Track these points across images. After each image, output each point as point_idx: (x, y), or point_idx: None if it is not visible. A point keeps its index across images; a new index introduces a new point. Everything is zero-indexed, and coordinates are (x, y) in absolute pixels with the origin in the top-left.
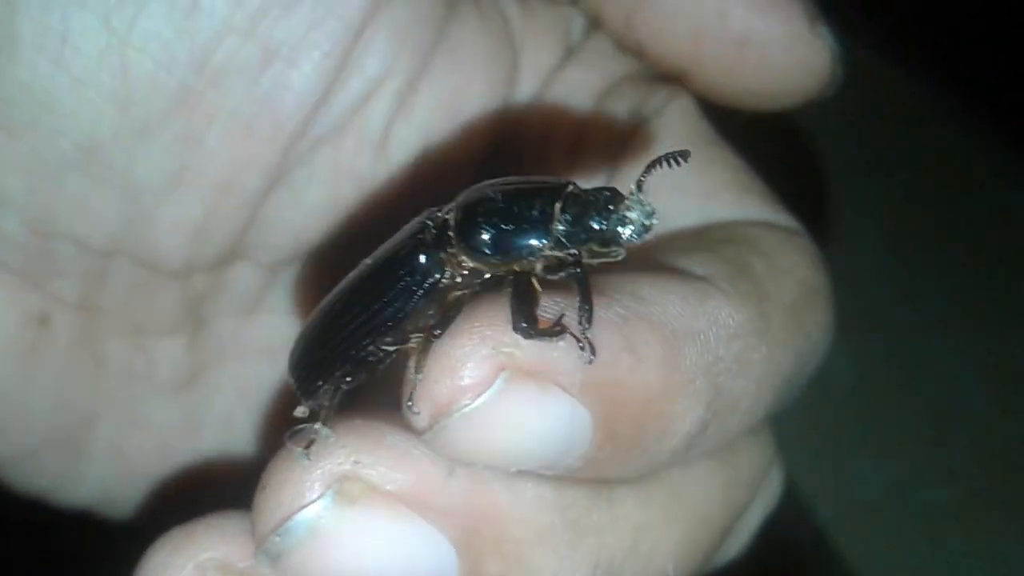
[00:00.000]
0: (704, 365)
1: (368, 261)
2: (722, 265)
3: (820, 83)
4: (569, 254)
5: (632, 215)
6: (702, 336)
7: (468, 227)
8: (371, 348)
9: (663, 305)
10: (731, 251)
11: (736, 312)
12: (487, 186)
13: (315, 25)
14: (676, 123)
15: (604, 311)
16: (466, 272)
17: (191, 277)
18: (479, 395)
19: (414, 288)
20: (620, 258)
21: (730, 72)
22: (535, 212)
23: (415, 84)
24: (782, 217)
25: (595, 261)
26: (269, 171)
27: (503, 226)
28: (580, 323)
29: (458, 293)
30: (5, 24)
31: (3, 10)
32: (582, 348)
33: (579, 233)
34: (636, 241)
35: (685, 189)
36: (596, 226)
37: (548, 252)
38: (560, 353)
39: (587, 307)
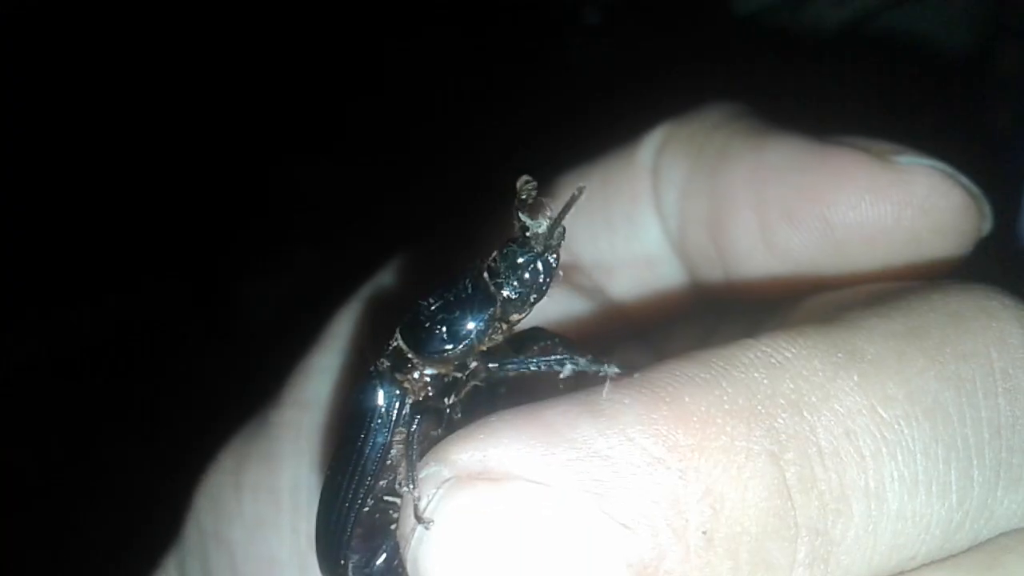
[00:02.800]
0: (733, 409)
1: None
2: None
3: (937, 204)
4: (518, 303)
5: (537, 227)
6: (721, 380)
7: (417, 336)
8: (369, 499)
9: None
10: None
11: (781, 350)
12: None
13: None
14: None
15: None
16: (430, 390)
17: None
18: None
19: (381, 421)
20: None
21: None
22: (468, 289)
23: None
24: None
25: (543, 296)
26: None
27: (449, 316)
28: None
29: (432, 415)
30: None
31: None
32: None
33: (521, 277)
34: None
35: None
36: (526, 259)
37: (500, 317)
38: (511, 440)
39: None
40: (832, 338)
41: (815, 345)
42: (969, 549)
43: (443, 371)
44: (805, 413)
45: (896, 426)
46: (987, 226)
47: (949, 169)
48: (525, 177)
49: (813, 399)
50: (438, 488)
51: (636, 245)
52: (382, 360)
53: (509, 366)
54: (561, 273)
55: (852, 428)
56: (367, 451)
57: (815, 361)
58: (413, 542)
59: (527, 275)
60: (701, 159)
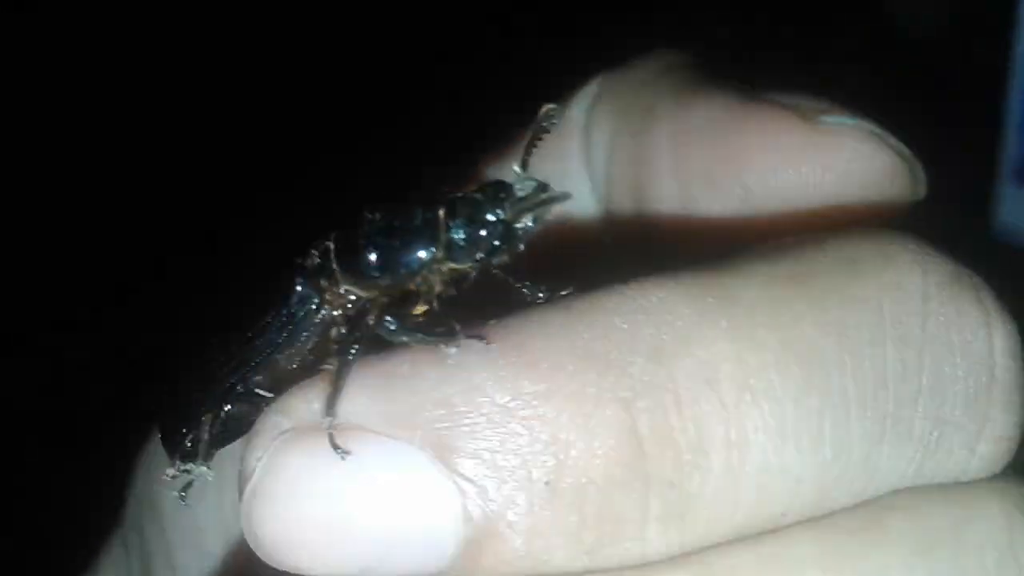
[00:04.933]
0: (587, 355)
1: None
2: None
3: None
4: (469, 263)
5: (524, 195)
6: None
7: (349, 249)
8: (239, 387)
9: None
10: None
11: (647, 294)
12: (366, 209)
13: None
14: None
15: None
16: (349, 305)
17: None
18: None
19: (287, 318)
20: (519, 249)
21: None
22: (418, 222)
23: None
24: None
25: (496, 260)
26: None
27: (387, 243)
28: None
29: (337, 333)
30: None
31: None
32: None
33: (473, 233)
34: (536, 225)
35: None
36: (490, 218)
37: (442, 264)
38: (353, 389)
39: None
40: (706, 282)
41: (686, 290)
42: (854, 507)
43: (362, 295)
44: (664, 359)
45: (763, 373)
46: (921, 190)
47: (877, 129)
48: (551, 106)
49: (674, 345)
50: (275, 439)
51: (565, 204)
52: (313, 254)
53: (395, 331)
54: (522, 249)
55: (714, 376)
56: (256, 342)
57: (682, 306)
58: (246, 494)
59: (483, 233)
60: (626, 118)
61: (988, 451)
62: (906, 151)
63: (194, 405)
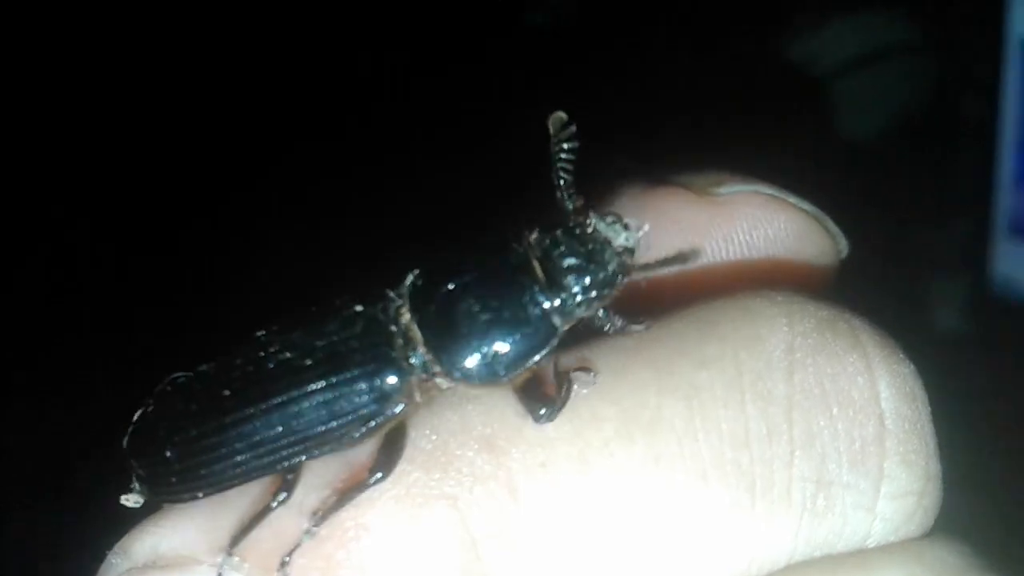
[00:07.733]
0: (411, 454)
1: (306, 363)
2: None
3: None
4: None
5: (617, 235)
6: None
7: (460, 355)
8: (274, 465)
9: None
10: None
11: None
12: (444, 290)
13: None
14: None
15: None
16: (431, 395)
17: None
18: None
19: (368, 414)
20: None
21: None
22: (527, 306)
23: None
24: None
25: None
26: None
27: (500, 342)
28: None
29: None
30: None
31: None
32: None
33: (584, 300)
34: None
35: None
36: (601, 277)
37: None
38: (182, 523)
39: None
40: None
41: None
42: None
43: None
44: (496, 446)
45: (604, 448)
46: (843, 245)
47: (776, 192)
48: (559, 114)
49: (506, 431)
50: None
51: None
52: (395, 337)
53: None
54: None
55: (549, 459)
56: (328, 423)
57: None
58: None
59: (594, 294)
60: None
61: (891, 510)
62: (813, 209)
63: (214, 468)
